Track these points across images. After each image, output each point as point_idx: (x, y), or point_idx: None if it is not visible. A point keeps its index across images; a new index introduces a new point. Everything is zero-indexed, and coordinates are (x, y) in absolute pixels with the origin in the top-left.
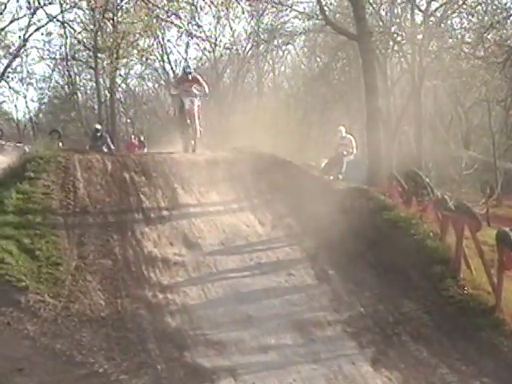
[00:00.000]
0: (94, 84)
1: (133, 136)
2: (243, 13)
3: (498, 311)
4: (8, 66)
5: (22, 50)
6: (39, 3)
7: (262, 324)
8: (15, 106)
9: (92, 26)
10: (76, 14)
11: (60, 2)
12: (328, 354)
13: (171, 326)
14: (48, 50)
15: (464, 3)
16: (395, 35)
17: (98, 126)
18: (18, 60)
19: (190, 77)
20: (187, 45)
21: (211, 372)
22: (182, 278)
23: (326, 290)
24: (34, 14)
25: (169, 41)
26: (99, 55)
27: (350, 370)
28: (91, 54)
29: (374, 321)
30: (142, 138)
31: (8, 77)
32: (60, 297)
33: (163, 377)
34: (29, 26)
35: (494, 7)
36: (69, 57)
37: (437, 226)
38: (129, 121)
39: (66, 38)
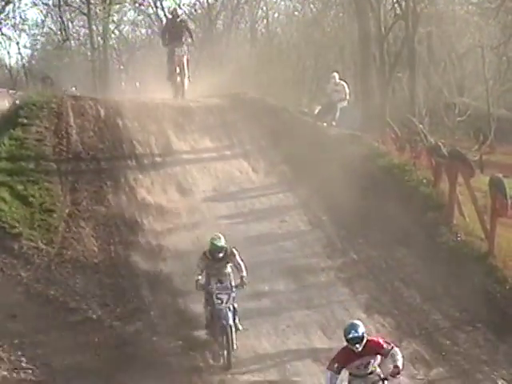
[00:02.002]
0: (87, 30)
1: (123, 83)
2: None
3: (491, 257)
4: (0, 11)
5: None
6: None
7: (255, 270)
8: (8, 52)
9: None
10: None
11: None
12: (321, 300)
13: (164, 272)
14: None
15: None
16: None
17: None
18: (10, 6)
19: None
20: None
21: (204, 318)
22: (175, 225)
23: (319, 237)
24: None
25: None
26: (92, 1)
27: (342, 316)
28: None
29: (367, 267)
30: (137, 84)
31: (0, 23)
32: (53, 243)
33: (156, 323)
34: None
35: None
36: (61, 2)
37: (430, 172)
38: (122, 67)
39: None
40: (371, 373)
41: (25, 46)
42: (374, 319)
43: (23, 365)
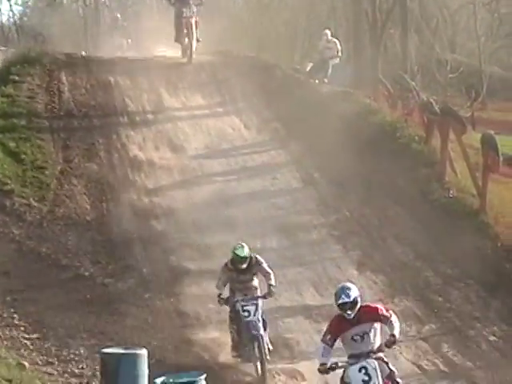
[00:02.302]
0: None
1: (115, 41)
2: None
3: (483, 214)
4: None
5: None
6: None
7: (247, 227)
8: None
9: None
10: None
11: None
12: (313, 257)
13: (157, 229)
14: None
15: None
16: None
17: None
18: None
19: None
20: None
21: (196, 275)
22: (167, 182)
23: (311, 194)
24: None
25: None
26: None
27: (335, 274)
28: None
29: (360, 224)
30: (128, 41)
31: None
32: (45, 200)
33: (149, 280)
34: None
35: None
36: None
37: (422, 129)
38: (116, 22)
39: None
40: (371, 352)
41: (16, 3)
42: (366, 276)
43: (16, 322)
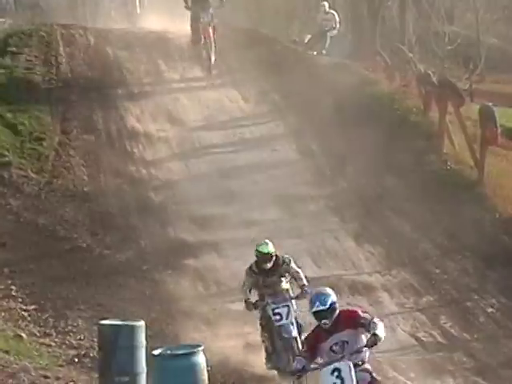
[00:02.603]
0: None
1: (113, 12)
2: None
3: (481, 186)
4: None
5: None
6: None
7: (245, 199)
8: None
9: None
10: None
11: None
12: (311, 228)
13: (154, 201)
14: None
15: None
16: None
17: None
18: None
19: None
20: None
21: (194, 247)
22: (166, 154)
23: (309, 165)
24: None
25: None
26: None
27: (332, 245)
28: None
29: (357, 196)
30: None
31: None
32: (43, 172)
33: (147, 252)
34: None
35: None
36: None
37: (420, 101)
38: None
39: None
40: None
41: None
42: (363, 248)
43: (13, 293)
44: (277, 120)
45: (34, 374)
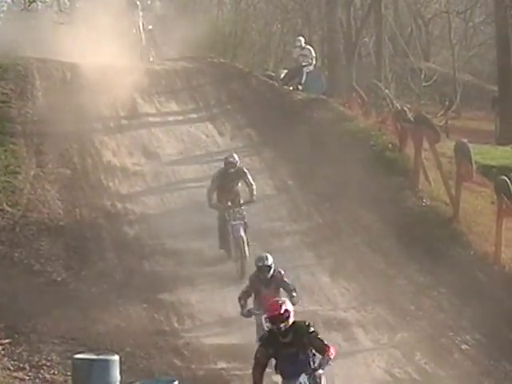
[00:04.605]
0: None
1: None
2: None
3: (456, 222)
4: None
5: None
6: None
7: None
8: None
9: None
10: None
11: None
12: (286, 264)
13: (130, 235)
14: None
15: None
16: None
17: None
18: None
19: None
20: None
21: (169, 281)
22: (141, 188)
23: (284, 201)
24: None
25: None
26: None
27: (308, 281)
28: None
29: (333, 231)
30: None
31: None
32: (18, 205)
33: (121, 285)
34: None
35: None
36: None
37: (396, 137)
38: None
39: None
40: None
41: None
42: (339, 284)
43: None
44: (252, 155)
45: None
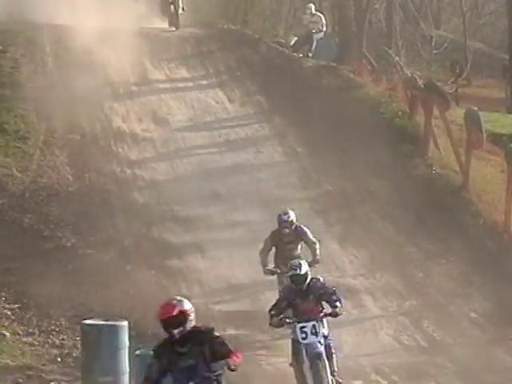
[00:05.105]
0: None
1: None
2: None
3: (465, 191)
4: None
5: None
6: None
7: (230, 200)
8: None
9: None
10: None
11: None
12: None
13: (139, 201)
14: None
15: None
16: None
17: None
18: None
19: None
20: None
21: (178, 248)
22: (151, 154)
23: (294, 168)
24: None
25: None
26: None
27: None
28: None
29: (342, 199)
30: None
31: None
32: (28, 171)
33: (130, 252)
34: None
35: None
36: None
37: (406, 104)
38: None
39: None
40: None
41: None
42: (347, 251)
43: None
44: (262, 122)
45: (16, 373)
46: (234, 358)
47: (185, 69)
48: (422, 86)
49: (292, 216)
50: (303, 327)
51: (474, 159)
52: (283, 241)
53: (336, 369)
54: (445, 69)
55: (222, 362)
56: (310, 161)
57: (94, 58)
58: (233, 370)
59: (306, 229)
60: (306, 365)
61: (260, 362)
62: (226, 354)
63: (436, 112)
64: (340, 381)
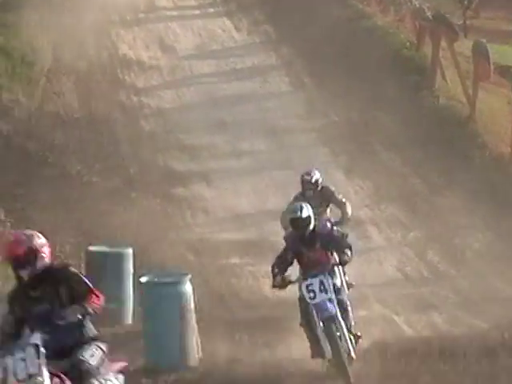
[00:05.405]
0: None
1: None
2: None
3: (472, 122)
4: None
5: None
6: None
7: (236, 129)
8: None
9: None
10: None
11: None
12: (301, 160)
13: (145, 129)
14: None
15: None
16: None
17: None
18: None
19: None
20: None
21: (184, 176)
22: (157, 82)
23: (300, 98)
24: None
25: None
26: None
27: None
28: None
29: (348, 130)
30: None
31: None
32: (34, 97)
33: (136, 180)
34: None
35: None
36: None
37: (414, 35)
38: None
39: None
40: None
41: None
42: (353, 182)
43: (2, 217)
44: (269, 51)
45: None
46: (94, 298)
47: None
48: (430, 17)
49: (317, 176)
50: (310, 285)
51: (481, 91)
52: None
53: (353, 323)
54: (453, 0)
55: (76, 307)
56: (317, 91)
57: None
58: (93, 314)
59: (332, 188)
60: (320, 328)
61: (263, 291)
62: (85, 293)
63: (444, 44)
64: (358, 334)
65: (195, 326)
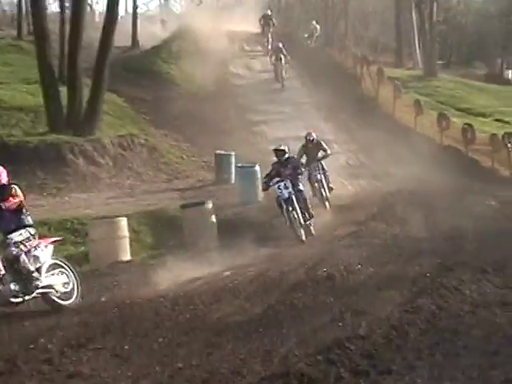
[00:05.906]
0: None
1: None
2: None
3: (376, 101)
4: None
5: None
6: None
7: (278, 103)
8: None
9: None
10: None
11: None
12: (306, 115)
13: (239, 103)
14: None
15: None
16: None
17: None
18: None
19: None
20: None
21: (256, 122)
22: (245, 82)
23: (305, 90)
24: None
25: None
26: None
27: None
28: None
29: (325, 104)
30: None
31: None
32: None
33: (235, 125)
34: None
35: None
36: None
37: (353, 64)
38: None
39: None
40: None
41: None
42: (327, 124)
43: (180, 138)
44: (293, 72)
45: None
46: (10, 199)
47: None
48: (360, 55)
49: (314, 136)
50: (279, 186)
51: (381, 87)
52: (309, 150)
53: (310, 206)
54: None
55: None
56: (313, 88)
57: None
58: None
59: (322, 142)
60: (284, 210)
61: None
62: (6, 196)
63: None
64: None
65: (259, 185)
